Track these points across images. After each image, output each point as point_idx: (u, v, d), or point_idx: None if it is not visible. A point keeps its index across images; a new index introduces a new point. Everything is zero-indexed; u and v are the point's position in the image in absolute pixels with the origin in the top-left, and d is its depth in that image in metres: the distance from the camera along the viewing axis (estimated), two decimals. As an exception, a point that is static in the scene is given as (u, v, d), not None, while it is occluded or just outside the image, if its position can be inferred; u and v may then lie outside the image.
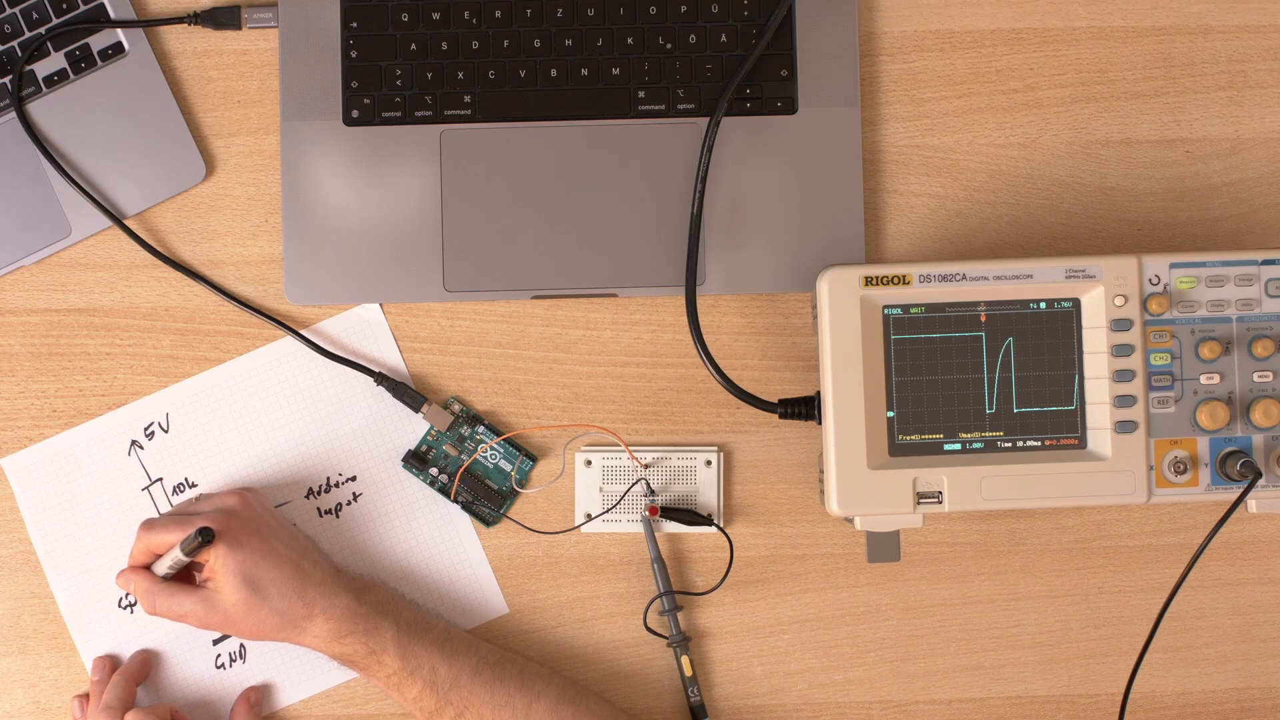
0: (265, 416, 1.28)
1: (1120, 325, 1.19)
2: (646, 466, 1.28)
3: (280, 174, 1.28)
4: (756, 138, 1.29)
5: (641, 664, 1.29)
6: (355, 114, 1.28)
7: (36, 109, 1.27)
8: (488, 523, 1.29)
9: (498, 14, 1.28)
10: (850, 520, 1.20)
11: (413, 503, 1.28)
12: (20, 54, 1.27)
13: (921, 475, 1.19)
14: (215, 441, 1.28)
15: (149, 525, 1.22)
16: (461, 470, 1.28)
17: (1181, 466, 1.19)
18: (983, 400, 1.19)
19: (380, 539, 1.28)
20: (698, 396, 1.29)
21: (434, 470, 1.28)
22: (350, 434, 1.28)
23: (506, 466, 1.29)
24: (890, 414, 1.19)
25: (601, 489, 1.28)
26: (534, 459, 1.29)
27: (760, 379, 1.29)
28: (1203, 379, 1.19)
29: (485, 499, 1.28)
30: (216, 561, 1.19)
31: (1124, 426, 1.19)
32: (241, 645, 1.27)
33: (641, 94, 1.29)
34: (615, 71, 1.29)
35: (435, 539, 1.28)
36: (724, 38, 1.29)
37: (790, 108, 1.29)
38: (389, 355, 1.29)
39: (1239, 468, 1.18)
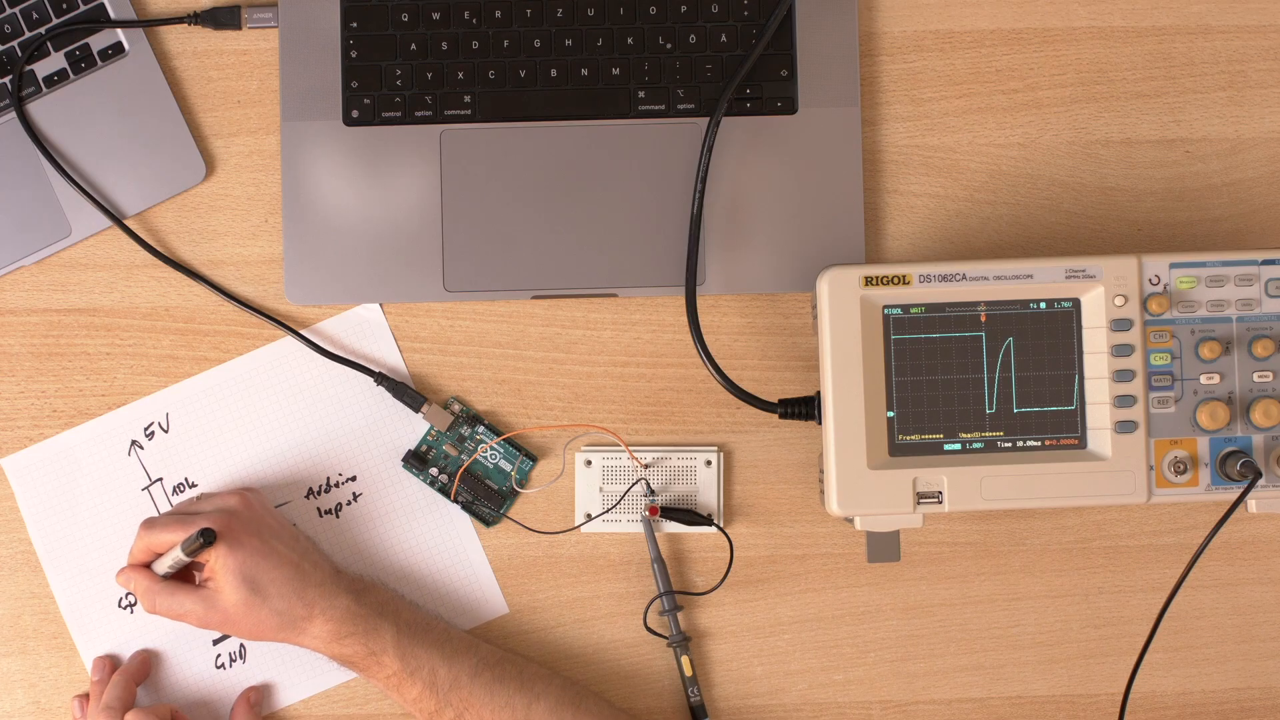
0: (265, 416, 1.28)
1: (1120, 325, 1.19)
2: (646, 466, 1.28)
3: (280, 174, 1.28)
4: (756, 138, 1.29)
5: (641, 664, 1.29)
6: (355, 114, 1.28)
7: (36, 109, 1.27)
8: (488, 523, 1.29)
9: (498, 14, 1.28)
10: (850, 520, 1.20)
11: (413, 503, 1.28)
12: (20, 54, 1.27)
13: (921, 475, 1.19)
14: (215, 441, 1.28)
15: (149, 524, 1.22)
16: (461, 470, 1.28)
17: (1181, 466, 1.19)
18: (983, 400, 1.19)
19: (380, 539, 1.28)
20: (698, 396, 1.29)
21: (434, 470, 1.28)
22: (350, 434, 1.28)
23: (506, 466, 1.29)
24: (890, 414, 1.19)
25: (601, 489, 1.28)
26: (534, 459, 1.29)
27: (760, 379, 1.29)
28: (1203, 379, 1.19)
29: (485, 499, 1.28)
30: (217, 561, 1.19)
31: (1124, 426, 1.19)
32: (241, 645, 1.27)
33: (641, 94, 1.29)
34: (615, 71, 1.29)
35: (435, 539, 1.28)
36: (724, 38, 1.29)
37: (790, 108, 1.29)
38: (389, 355, 1.29)
39: (1239, 468, 1.18)
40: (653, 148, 1.28)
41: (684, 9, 1.29)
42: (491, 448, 1.29)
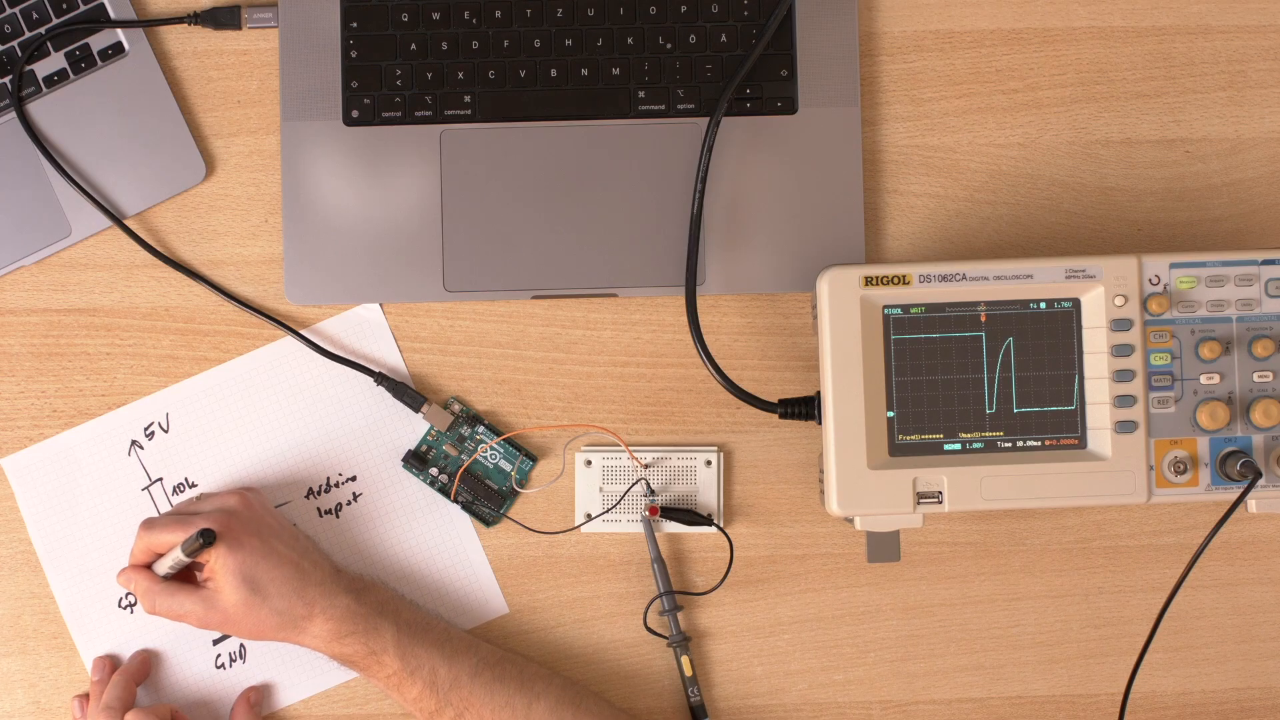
0: (265, 416, 1.28)
1: (1120, 325, 1.19)
2: (646, 466, 1.28)
3: (280, 174, 1.28)
4: (756, 138, 1.29)
5: (641, 664, 1.29)
6: (355, 114, 1.28)
7: (36, 109, 1.27)
8: (488, 523, 1.29)
9: (498, 14, 1.28)
10: (850, 520, 1.20)
11: (413, 503, 1.28)
12: (20, 54, 1.27)
13: (921, 475, 1.19)
14: (215, 441, 1.28)
15: (149, 524, 1.22)
16: (461, 470, 1.28)
17: (1181, 466, 1.19)
18: (983, 400, 1.19)
19: (380, 539, 1.28)
20: (698, 396, 1.29)
21: (434, 470, 1.28)
22: (350, 434, 1.28)
23: (506, 466, 1.29)
24: (890, 414, 1.19)
25: (601, 489, 1.28)
26: (534, 459, 1.29)
27: (760, 379, 1.29)
28: (1203, 379, 1.19)
29: (485, 499, 1.28)
30: (217, 561, 1.19)
31: (1124, 426, 1.19)
32: (241, 645, 1.27)
33: (641, 94, 1.29)
34: (615, 71, 1.29)
35: (435, 539, 1.28)
36: (724, 38, 1.29)
37: (790, 108, 1.29)
38: (389, 355, 1.29)
39: (1239, 468, 1.18)
40: (653, 148, 1.28)
41: (684, 9, 1.29)
42: (491, 448, 1.29)
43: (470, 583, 1.28)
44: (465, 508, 1.28)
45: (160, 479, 1.28)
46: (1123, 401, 1.19)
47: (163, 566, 1.22)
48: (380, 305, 1.29)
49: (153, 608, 1.22)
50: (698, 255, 1.26)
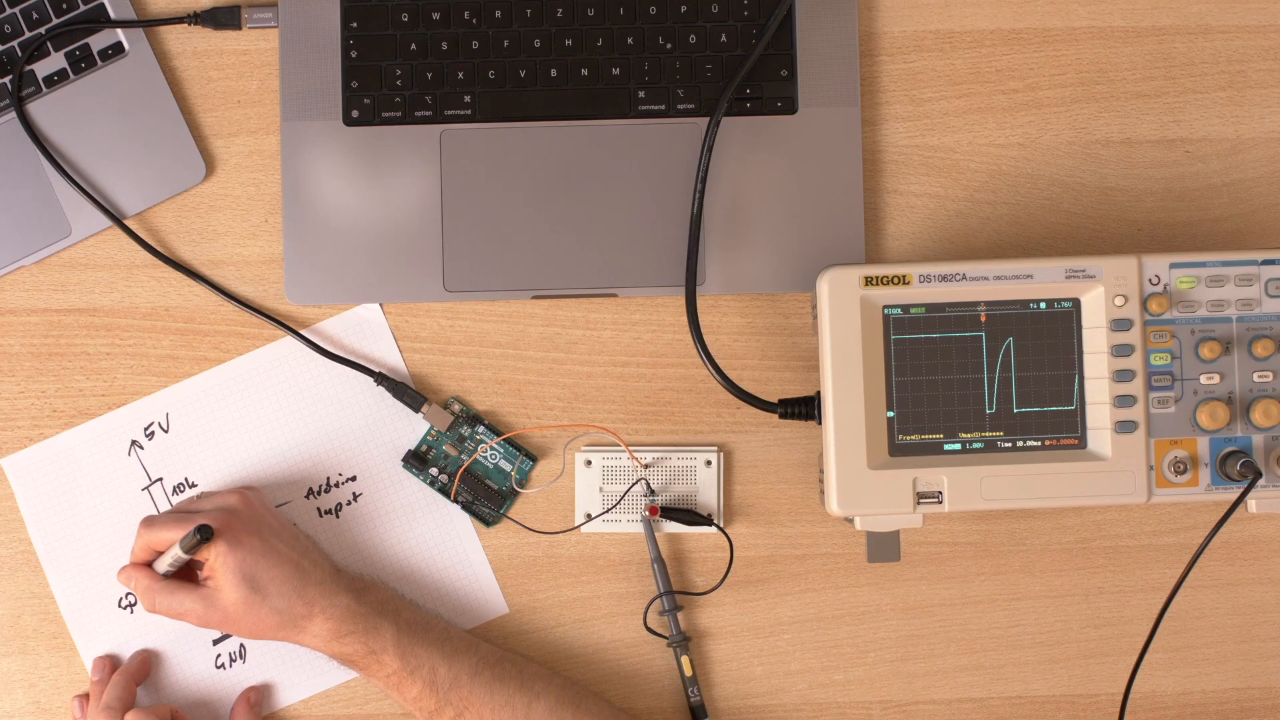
0: (265, 416, 1.28)
1: (1120, 325, 1.19)
2: (646, 466, 1.28)
3: (280, 174, 1.29)
4: (756, 138, 1.29)
5: (641, 664, 1.29)
6: (355, 114, 1.28)
7: (36, 109, 1.27)
8: (488, 523, 1.29)
9: (498, 14, 1.28)
10: (850, 520, 1.20)
11: (413, 503, 1.28)
12: (20, 54, 1.27)
13: (921, 475, 1.19)
14: (215, 441, 1.28)
15: (149, 522, 1.22)
16: (461, 470, 1.28)
17: (1181, 466, 1.19)
18: (983, 400, 1.19)
19: (380, 539, 1.28)
20: (698, 396, 1.29)
21: (434, 470, 1.28)
22: (350, 434, 1.28)
23: (506, 466, 1.29)
24: (890, 414, 1.19)
25: (601, 489, 1.28)
26: (534, 459, 1.29)
27: (760, 379, 1.29)
28: (1203, 379, 1.19)
29: (485, 499, 1.28)
30: (217, 560, 1.19)
31: (1124, 426, 1.19)
32: (241, 645, 1.27)
33: (641, 94, 1.29)
34: (615, 71, 1.29)
35: (435, 539, 1.28)
36: (724, 38, 1.29)
37: (790, 108, 1.29)
38: (389, 355, 1.29)
39: (1239, 468, 1.18)
40: (653, 148, 1.28)
41: (684, 9, 1.29)
42: (491, 448, 1.29)
43: (470, 583, 1.28)
44: (465, 508, 1.28)
45: (160, 479, 1.28)
46: (1123, 401, 1.19)
47: (162, 564, 1.22)
48: (380, 305, 1.29)
49: (152, 606, 1.22)
50: (698, 255, 1.26)
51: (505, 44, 1.28)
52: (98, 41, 1.28)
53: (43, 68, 1.27)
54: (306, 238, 1.27)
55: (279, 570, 1.20)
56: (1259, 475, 1.17)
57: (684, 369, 1.29)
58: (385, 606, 1.22)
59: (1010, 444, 1.19)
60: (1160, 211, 1.31)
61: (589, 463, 1.28)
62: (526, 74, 1.28)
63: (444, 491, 1.28)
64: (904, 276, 1.19)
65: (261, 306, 1.29)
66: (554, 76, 1.28)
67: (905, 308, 1.19)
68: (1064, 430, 1.19)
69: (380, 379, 1.27)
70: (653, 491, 1.28)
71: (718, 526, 1.28)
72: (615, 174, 1.28)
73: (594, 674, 1.28)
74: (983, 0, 1.31)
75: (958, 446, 1.19)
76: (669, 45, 1.29)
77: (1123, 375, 1.19)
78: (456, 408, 1.29)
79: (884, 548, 1.20)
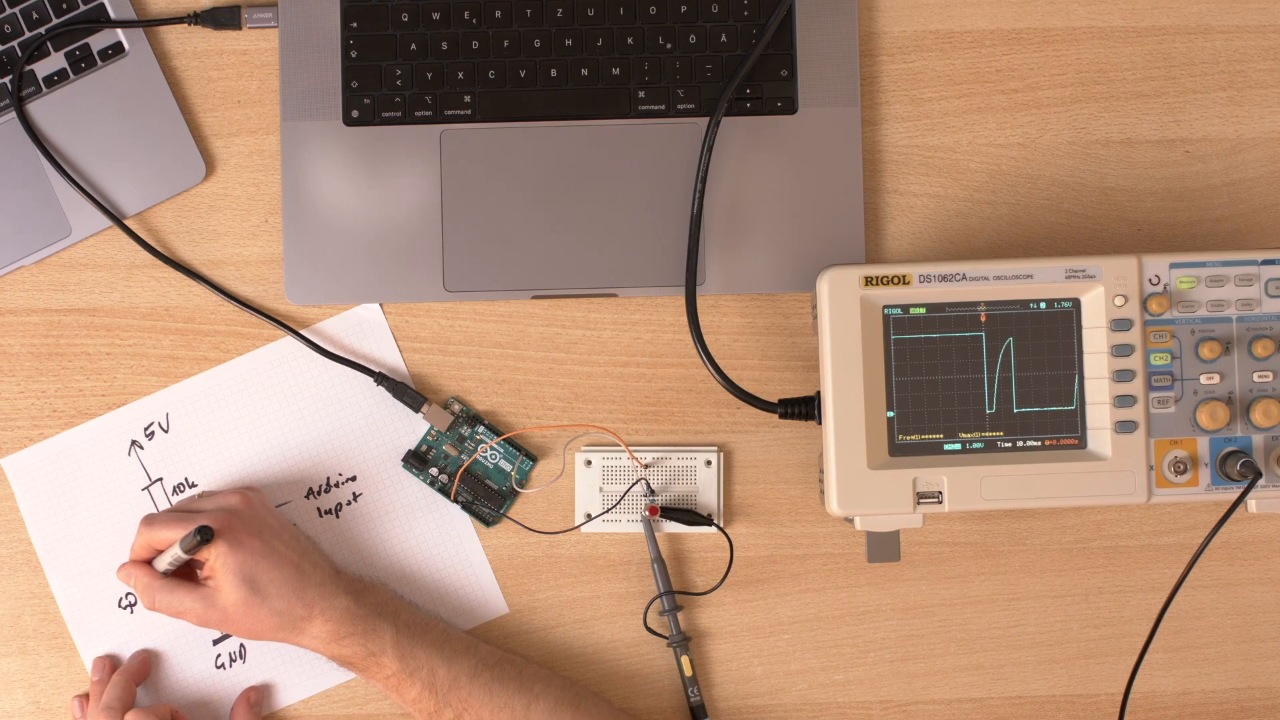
0: (265, 416, 1.28)
1: (1120, 325, 1.19)
2: (646, 466, 1.28)
3: (280, 174, 1.29)
4: (756, 138, 1.29)
5: (641, 664, 1.29)
6: (355, 114, 1.28)
7: (36, 109, 1.27)
8: (488, 523, 1.29)
9: (498, 14, 1.28)
10: (850, 520, 1.20)
11: (413, 503, 1.28)
12: (20, 54, 1.27)
13: (921, 475, 1.19)
14: (215, 441, 1.28)
15: (150, 521, 1.22)
16: (461, 470, 1.28)
17: (1181, 466, 1.19)
18: (983, 400, 1.19)
19: (380, 539, 1.28)
20: (698, 396, 1.29)
21: (434, 470, 1.28)
22: (350, 434, 1.28)
23: (506, 466, 1.29)
24: (890, 414, 1.19)
25: (601, 489, 1.28)
26: (534, 459, 1.29)
27: (760, 379, 1.29)
28: (1203, 379, 1.19)
29: (485, 499, 1.28)
30: (217, 560, 1.19)
31: (1124, 426, 1.19)
32: (241, 645, 1.27)
33: (641, 94, 1.29)
34: (615, 71, 1.29)
35: (435, 539, 1.28)
36: (724, 38, 1.29)
37: (790, 108, 1.29)
38: (389, 355, 1.29)
39: (1239, 468, 1.18)
40: (653, 148, 1.28)
41: (684, 9, 1.29)
42: (491, 448, 1.29)
43: (470, 583, 1.28)
44: (465, 508, 1.28)
45: (160, 479, 1.28)
46: (1123, 401, 1.19)
47: (162, 563, 1.22)
48: (380, 305, 1.29)
49: (152, 604, 1.22)
50: (698, 255, 1.26)
51: (505, 44, 1.28)
52: (98, 41, 1.28)
53: (43, 68, 1.27)
54: (306, 238, 1.27)
55: (279, 572, 1.20)
56: (1259, 475, 1.17)
57: (684, 369, 1.29)
58: (384, 608, 1.21)
59: (1010, 444, 1.19)
60: (1160, 211, 1.31)
61: (589, 463, 1.28)
62: (526, 74, 1.28)
63: (444, 491, 1.28)
64: (904, 276, 1.19)
65: (261, 306, 1.29)
66: (554, 76, 1.28)
67: (905, 308, 1.19)
68: (1064, 430, 1.19)
69: (380, 379, 1.27)
70: (653, 491, 1.28)
71: (718, 526, 1.28)
72: (615, 174, 1.28)
73: (594, 674, 1.28)
74: (983, 0, 1.31)
75: (958, 446, 1.19)
76: (669, 45, 1.29)
77: (1123, 375, 1.19)
78: (456, 408, 1.29)
79: (884, 548, 1.20)
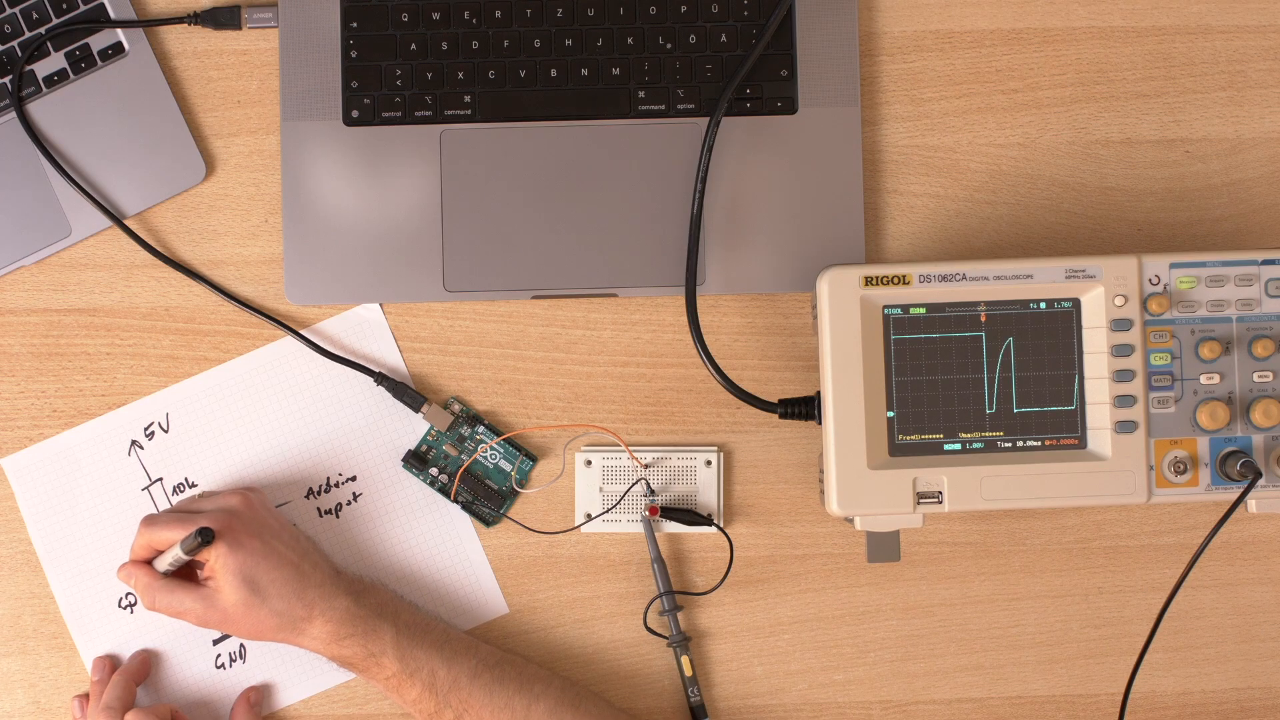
0: (265, 416, 1.28)
1: (1120, 325, 1.19)
2: (646, 466, 1.28)
3: (280, 174, 1.29)
4: (756, 138, 1.29)
5: (641, 664, 1.29)
6: (355, 114, 1.28)
7: (36, 109, 1.27)
8: (488, 523, 1.29)
9: (498, 14, 1.28)
10: (850, 520, 1.20)
11: (413, 503, 1.28)
12: (20, 54, 1.27)
13: (921, 475, 1.19)
14: (215, 441, 1.28)
15: (150, 521, 1.22)
16: (461, 470, 1.28)
17: (1181, 466, 1.19)
18: (983, 400, 1.19)
19: (380, 539, 1.28)
20: (698, 396, 1.29)
21: (434, 470, 1.28)
22: (350, 434, 1.28)
23: (506, 466, 1.29)
24: (890, 414, 1.19)
25: (601, 489, 1.28)
26: (534, 459, 1.29)
27: (760, 379, 1.29)
28: (1203, 379, 1.19)
29: (485, 499, 1.28)
30: (217, 561, 1.19)
31: (1124, 426, 1.19)
32: (241, 645, 1.27)
33: (641, 94, 1.29)
34: (615, 71, 1.29)
35: (435, 539, 1.28)
36: (724, 38, 1.29)
37: (790, 108, 1.29)
38: (389, 355, 1.29)
39: (1239, 468, 1.18)
40: (653, 148, 1.28)
41: (684, 9, 1.29)
42: (491, 448, 1.29)
43: (470, 583, 1.28)
44: (465, 508, 1.28)
45: (160, 479, 1.28)
46: (1123, 401, 1.19)
47: (163, 563, 1.22)
48: (380, 305, 1.29)
49: (152, 604, 1.22)
50: (698, 255, 1.26)
51: (505, 44, 1.28)
52: (98, 41, 1.28)
53: (43, 68, 1.27)
54: (306, 238, 1.27)
55: (279, 572, 1.20)
56: (1259, 475, 1.17)
57: (684, 369, 1.29)
58: (385, 609, 1.21)
59: (1010, 444, 1.19)
60: (1160, 211, 1.31)
61: (589, 463, 1.28)
62: (526, 74, 1.28)
63: (444, 491, 1.28)
64: (904, 276, 1.19)
65: (261, 306, 1.29)
66: (554, 76, 1.28)
67: (905, 308, 1.19)
68: (1064, 430, 1.19)
69: (380, 379, 1.27)
70: (653, 491, 1.28)
71: (718, 526, 1.28)
72: (615, 174, 1.28)
73: (594, 674, 1.28)
74: (983, 0, 1.31)
75: (958, 446, 1.19)
76: (669, 45, 1.29)
77: (1123, 375, 1.19)
78: (456, 408, 1.29)
79: (884, 548, 1.20)
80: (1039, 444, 1.19)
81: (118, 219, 1.27)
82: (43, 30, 1.27)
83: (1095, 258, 1.19)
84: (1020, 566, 1.29)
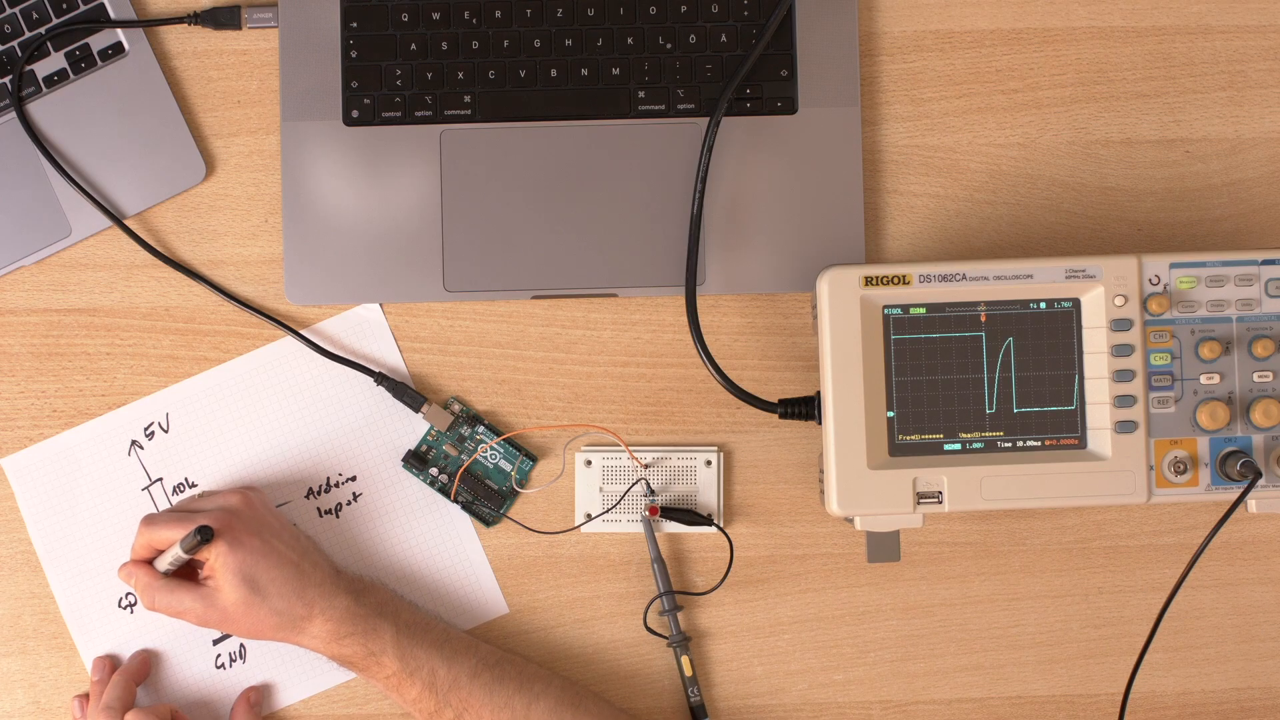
0: (265, 416, 1.28)
1: (1120, 325, 1.19)
2: (646, 466, 1.28)
3: (280, 174, 1.29)
4: (756, 138, 1.29)
5: (641, 664, 1.29)
6: (355, 114, 1.28)
7: (36, 109, 1.27)
8: (488, 523, 1.29)
9: (498, 14, 1.28)
10: (850, 520, 1.20)
11: (413, 503, 1.28)
12: (20, 54, 1.27)
13: (921, 475, 1.19)
14: (215, 441, 1.28)
15: (150, 520, 1.22)
16: (461, 470, 1.28)
17: (1181, 466, 1.19)
18: (983, 400, 1.19)
19: (380, 539, 1.28)
20: (698, 396, 1.29)
21: (434, 470, 1.28)
22: (350, 434, 1.28)
23: (506, 466, 1.29)
24: (890, 414, 1.19)
25: (601, 489, 1.28)
26: (534, 459, 1.29)
27: (760, 379, 1.29)
28: (1203, 379, 1.19)
29: (485, 499, 1.28)
30: (217, 560, 1.19)
31: (1124, 426, 1.19)
32: (241, 645, 1.27)
33: (641, 94, 1.29)
34: (615, 71, 1.29)
35: (435, 539, 1.28)
36: (724, 38, 1.29)
37: (790, 108, 1.29)
38: (389, 355, 1.29)
39: (1239, 468, 1.18)
40: (653, 148, 1.28)
41: (684, 9, 1.29)
42: (491, 448, 1.29)
43: (470, 583, 1.28)
44: (465, 508, 1.28)
45: (160, 479, 1.28)
46: (1123, 401, 1.19)
47: (163, 563, 1.22)
48: (380, 305, 1.29)
49: (152, 603, 1.22)
50: (698, 255, 1.26)
51: (505, 44, 1.28)
52: (98, 41, 1.28)
53: (43, 68, 1.27)
54: (306, 238, 1.27)
55: (279, 571, 1.20)
56: (1259, 475, 1.17)
57: (684, 369, 1.29)
58: (385, 608, 1.22)
59: (1010, 444, 1.19)
60: (1160, 211, 1.31)
61: (589, 463, 1.28)
62: (526, 74, 1.28)
63: (444, 491, 1.28)
64: (904, 276, 1.19)
65: (261, 306, 1.29)
66: (554, 76, 1.28)
67: (905, 308, 1.19)
68: (1064, 430, 1.19)
69: (380, 379, 1.27)
70: (653, 491, 1.28)
71: (718, 526, 1.28)
72: (615, 174, 1.28)
73: (594, 674, 1.28)
74: (983, 0, 1.31)
75: (958, 446, 1.19)
76: (669, 45, 1.29)
77: (1123, 375, 1.19)
78: (456, 408, 1.29)
79: (884, 548, 1.20)
80: (1039, 444, 1.19)
81: (118, 219, 1.27)
82: (43, 30, 1.27)
83: (1095, 258, 1.19)
84: (1020, 566, 1.29)
